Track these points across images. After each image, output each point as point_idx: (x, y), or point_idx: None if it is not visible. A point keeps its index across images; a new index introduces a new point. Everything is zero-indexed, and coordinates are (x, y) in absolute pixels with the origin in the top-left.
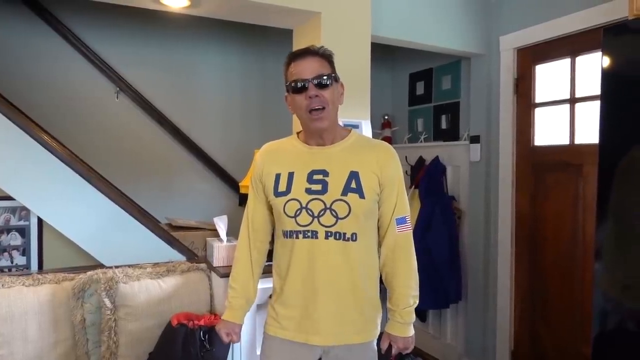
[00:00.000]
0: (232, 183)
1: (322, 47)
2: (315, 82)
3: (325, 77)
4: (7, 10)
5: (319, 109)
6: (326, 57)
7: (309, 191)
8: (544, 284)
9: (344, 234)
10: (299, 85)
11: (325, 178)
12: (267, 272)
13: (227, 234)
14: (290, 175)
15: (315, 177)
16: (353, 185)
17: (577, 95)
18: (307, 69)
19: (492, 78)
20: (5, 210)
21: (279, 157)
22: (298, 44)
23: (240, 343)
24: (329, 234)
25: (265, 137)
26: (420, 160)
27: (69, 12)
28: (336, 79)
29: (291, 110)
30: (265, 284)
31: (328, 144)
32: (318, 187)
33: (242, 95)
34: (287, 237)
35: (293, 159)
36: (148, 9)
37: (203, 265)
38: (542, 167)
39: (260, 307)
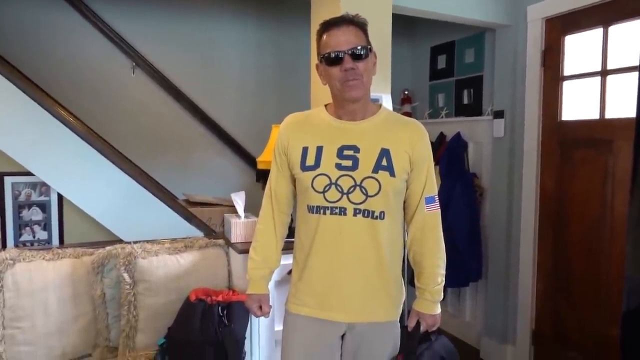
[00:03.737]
0: (249, 159)
1: (357, 15)
2: (351, 53)
3: (361, 49)
4: None
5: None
6: (361, 26)
7: (339, 167)
8: (568, 263)
9: (373, 211)
10: (334, 56)
11: (356, 154)
12: (286, 248)
13: (245, 210)
14: (319, 149)
15: (346, 152)
16: (384, 162)
17: (609, 67)
18: (342, 39)
19: (518, 50)
20: (26, 186)
21: (306, 129)
22: (316, 15)
23: (258, 320)
24: (358, 211)
25: (282, 111)
26: (441, 136)
27: None
28: (370, 49)
29: (323, 81)
30: (285, 261)
31: (359, 118)
32: (348, 163)
33: (258, 70)
34: (312, 213)
35: (321, 133)
36: None
37: (221, 241)
38: (569, 143)
39: (279, 283)
